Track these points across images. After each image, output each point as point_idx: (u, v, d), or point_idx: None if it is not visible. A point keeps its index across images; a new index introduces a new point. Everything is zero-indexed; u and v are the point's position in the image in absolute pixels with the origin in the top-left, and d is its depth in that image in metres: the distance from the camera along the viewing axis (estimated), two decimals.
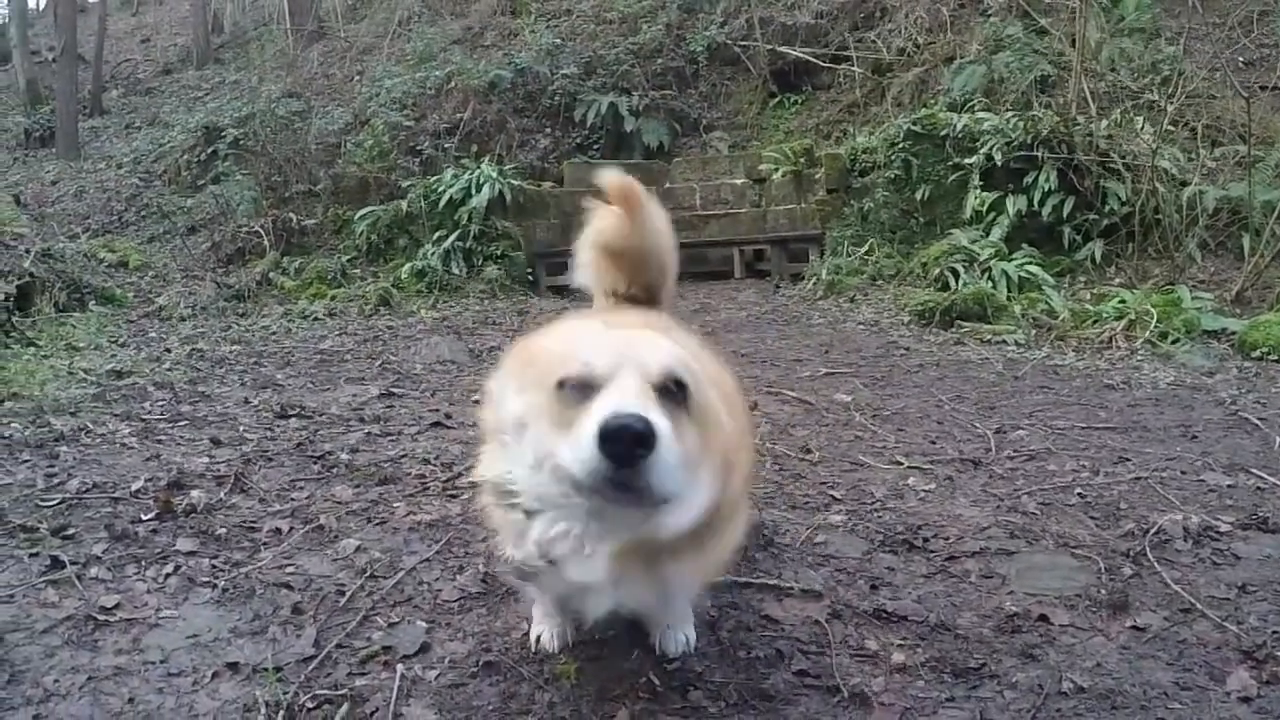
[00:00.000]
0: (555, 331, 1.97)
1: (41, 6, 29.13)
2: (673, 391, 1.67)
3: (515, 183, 11.42)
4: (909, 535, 3.09)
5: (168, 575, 2.74)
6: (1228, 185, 8.38)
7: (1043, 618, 2.46)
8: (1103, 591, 2.61)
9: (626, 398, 1.57)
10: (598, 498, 1.59)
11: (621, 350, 1.69)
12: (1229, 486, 3.54)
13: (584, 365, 1.66)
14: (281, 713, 2.03)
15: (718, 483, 1.76)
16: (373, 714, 2.05)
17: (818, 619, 2.48)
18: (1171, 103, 8.73)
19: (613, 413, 1.52)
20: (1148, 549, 2.90)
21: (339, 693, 2.12)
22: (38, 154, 18.30)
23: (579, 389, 1.65)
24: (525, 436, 1.75)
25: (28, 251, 8.32)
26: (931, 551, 2.96)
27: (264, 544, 3.02)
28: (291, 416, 4.81)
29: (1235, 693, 2.10)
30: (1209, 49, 9.79)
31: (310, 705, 2.07)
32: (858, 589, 2.69)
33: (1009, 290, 7.85)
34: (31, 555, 2.85)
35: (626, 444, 1.50)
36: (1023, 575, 2.76)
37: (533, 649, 2.30)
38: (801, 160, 11.32)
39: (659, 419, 1.55)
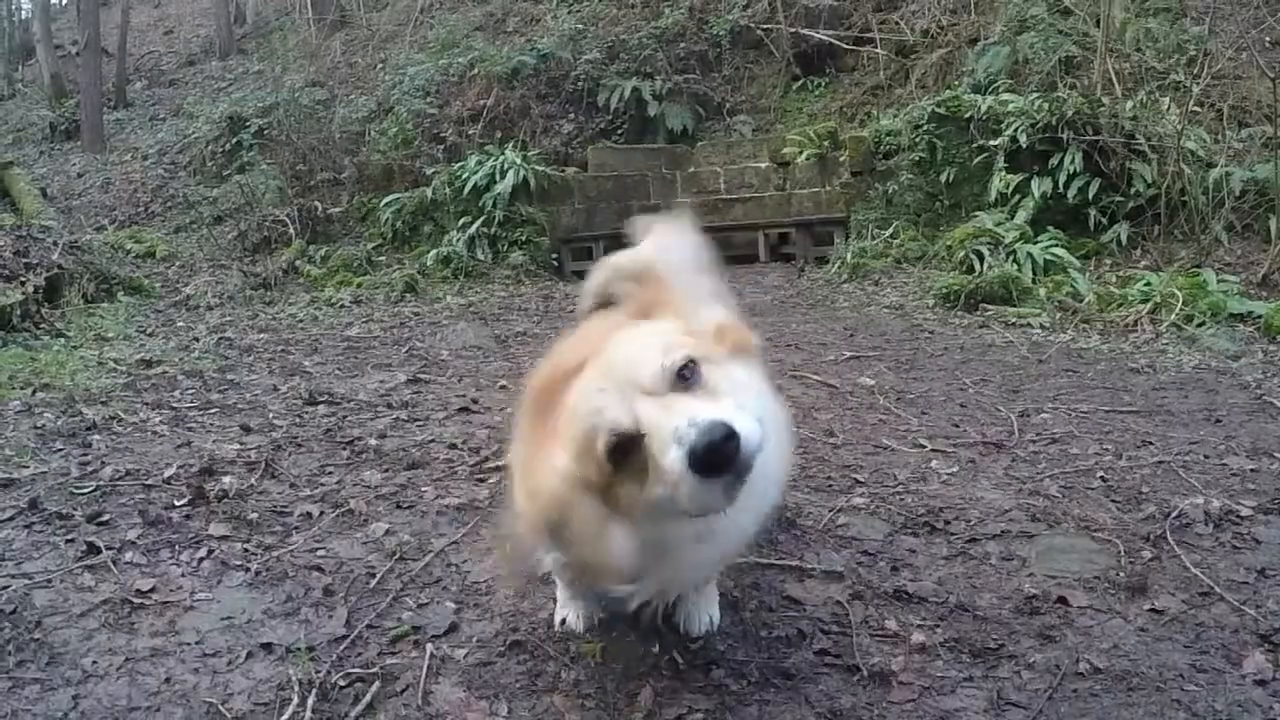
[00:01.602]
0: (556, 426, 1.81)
1: (64, 1, 29.32)
2: (685, 374, 1.64)
3: (539, 168, 11.45)
4: (930, 518, 3.11)
5: (201, 559, 2.81)
6: (1254, 167, 8.28)
7: (1061, 600, 2.48)
8: (1122, 574, 2.63)
9: (672, 423, 1.55)
10: (719, 506, 1.58)
11: (624, 384, 1.65)
12: (1252, 470, 3.54)
13: (612, 432, 1.61)
14: (314, 691, 2.08)
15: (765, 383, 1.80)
16: (403, 692, 2.10)
17: (839, 599, 2.52)
18: (1197, 83, 8.64)
19: (686, 449, 1.50)
20: (1168, 532, 2.91)
21: (370, 671, 2.17)
22: (63, 147, 18.44)
23: (624, 450, 1.61)
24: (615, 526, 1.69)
25: (55, 244, 8.43)
26: (953, 534, 2.99)
27: (295, 528, 3.08)
28: (320, 403, 4.87)
29: (1251, 675, 2.11)
30: (1235, 28, 9.67)
31: (342, 684, 2.13)
32: (879, 570, 2.72)
33: (1034, 273, 7.82)
34: (68, 541, 2.92)
35: (713, 459, 1.49)
36: (1043, 558, 2.78)
37: (558, 629, 2.35)
38: (825, 143, 11.28)
39: (706, 409, 1.55)
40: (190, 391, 5.18)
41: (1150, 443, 3.95)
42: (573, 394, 1.71)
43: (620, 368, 1.68)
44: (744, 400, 1.67)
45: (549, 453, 1.72)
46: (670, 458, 1.52)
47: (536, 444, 1.79)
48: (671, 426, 1.53)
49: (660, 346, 1.67)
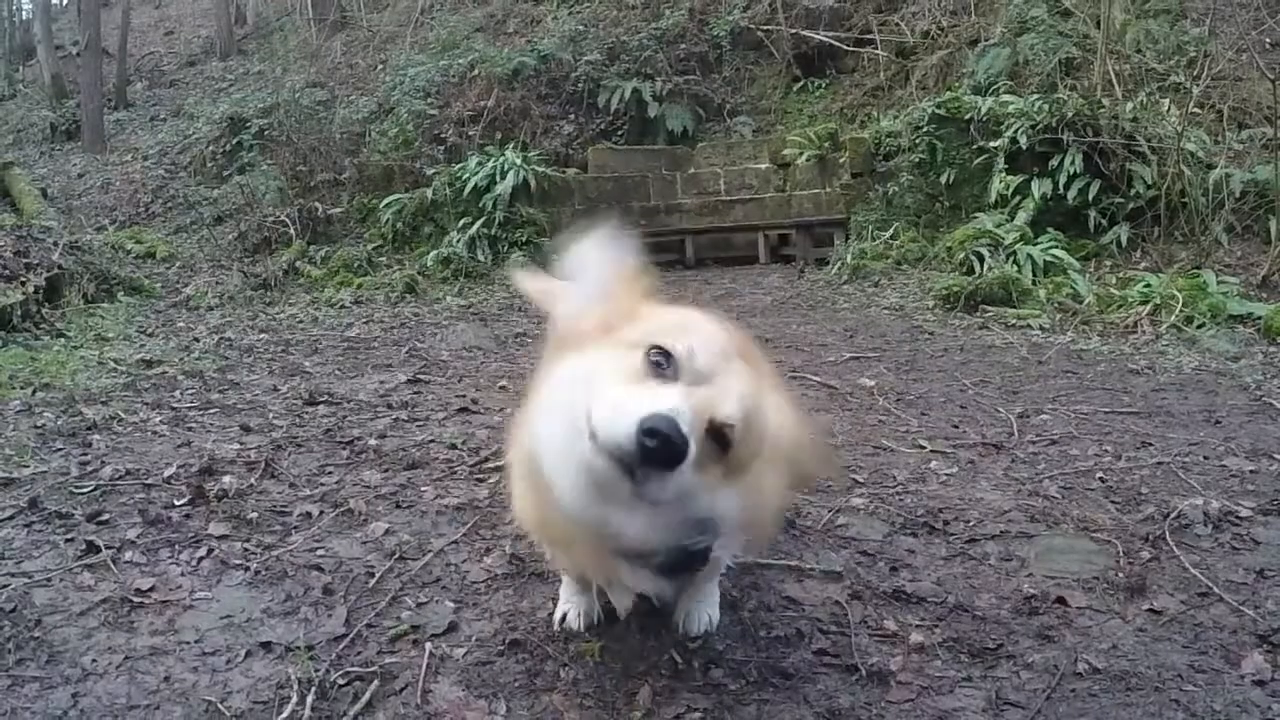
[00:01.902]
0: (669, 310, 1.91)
1: (65, 1, 29.33)
2: (722, 437, 1.63)
3: (539, 169, 11.47)
4: (930, 518, 3.12)
5: (201, 558, 2.81)
6: (1254, 168, 8.29)
7: (1060, 600, 2.48)
8: (1121, 575, 2.63)
9: (694, 405, 1.57)
10: (608, 466, 1.56)
11: (722, 364, 1.68)
12: (1251, 472, 3.54)
13: (688, 350, 1.64)
14: (313, 689, 2.08)
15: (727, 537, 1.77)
16: (402, 690, 2.10)
17: (838, 600, 2.52)
18: (1197, 85, 8.65)
19: (672, 409, 1.52)
20: (1167, 533, 2.91)
21: (369, 670, 2.17)
22: (64, 147, 18.45)
23: (664, 365, 1.63)
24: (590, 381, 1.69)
25: (56, 244, 8.43)
26: (952, 534, 2.99)
27: (295, 528, 3.08)
28: (320, 403, 4.87)
29: (1250, 676, 2.12)
30: (1235, 30, 9.67)
31: (341, 682, 2.13)
32: (878, 571, 2.72)
33: (1034, 274, 7.82)
34: (67, 540, 2.92)
35: (660, 446, 1.49)
36: (1042, 558, 2.78)
37: (557, 628, 2.35)
38: (826, 145, 11.30)
39: (694, 448, 1.54)
40: (190, 391, 5.18)
41: (1150, 444, 3.96)
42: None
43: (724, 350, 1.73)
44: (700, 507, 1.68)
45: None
46: (660, 400, 1.55)
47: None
48: (691, 403, 1.57)
49: (742, 398, 1.68)
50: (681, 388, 1.61)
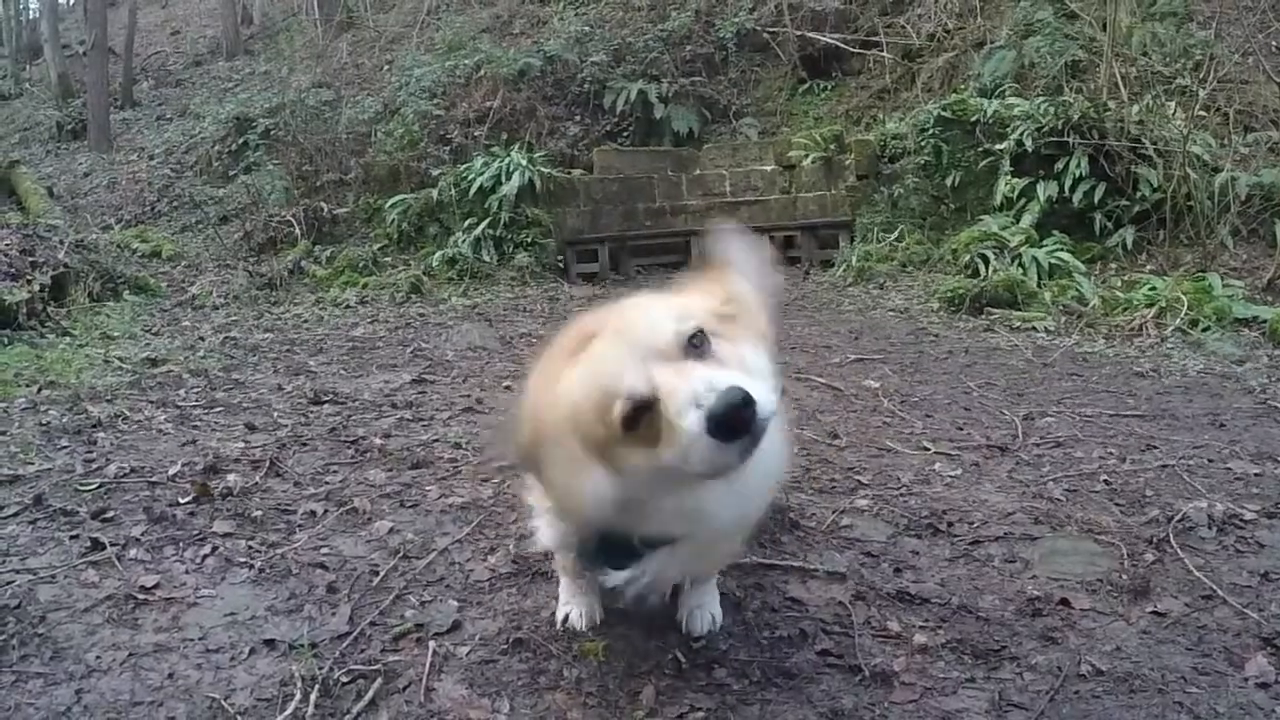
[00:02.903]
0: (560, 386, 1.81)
1: (72, 1, 29.41)
2: (695, 342, 1.65)
3: (545, 170, 11.46)
4: (934, 520, 3.12)
5: (205, 556, 2.81)
6: (1260, 171, 8.26)
7: (1064, 602, 2.48)
8: (1124, 577, 2.63)
9: (690, 387, 1.57)
10: (733, 467, 1.59)
11: (637, 349, 1.66)
12: (1256, 475, 3.54)
13: (627, 398, 1.62)
14: (317, 687, 2.08)
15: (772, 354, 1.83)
16: (405, 689, 2.11)
17: (841, 600, 2.52)
18: (1203, 88, 8.63)
19: (705, 413, 1.53)
20: (1171, 536, 2.91)
21: (372, 668, 2.17)
22: (70, 147, 18.51)
23: (638, 417, 1.61)
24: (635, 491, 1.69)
25: (62, 242, 8.42)
26: (956, 536, 2.99)
27: (299, 526, 3.09)
28: (325, 402, 4.88)
29: (1253, 679, 2.11)
30: (1241, 33, 9.64)
31: (345, 680, 2.13)
32: (881, 572, 2.72)
33: (1039, 277, 7.81)
34: (72, 538, 2.93)
35: (732, 422, 1.52)
36: (1045, 560, 2.78)
37: (560, 627, 2.35)
38: (831, 146, 11.29)
39: (722, 375, 1.57)
40: (195, 390, 5.19)
41: (1154, 446, 3.95)
42: (587, 356, 1.72)
43: (632, 334, 1.69)
44: (753, 371, 1.69)
45: (560, 379, 1.74)
46: (689, 420, 1.54)
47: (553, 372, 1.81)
48: (689, 389, 1.55)
49: (673, 315, 1.69)
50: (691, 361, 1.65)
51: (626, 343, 1.68)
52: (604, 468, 1.67)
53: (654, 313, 1.73)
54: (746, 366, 1.70)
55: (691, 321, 1.67)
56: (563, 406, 1.70)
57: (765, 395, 1.56)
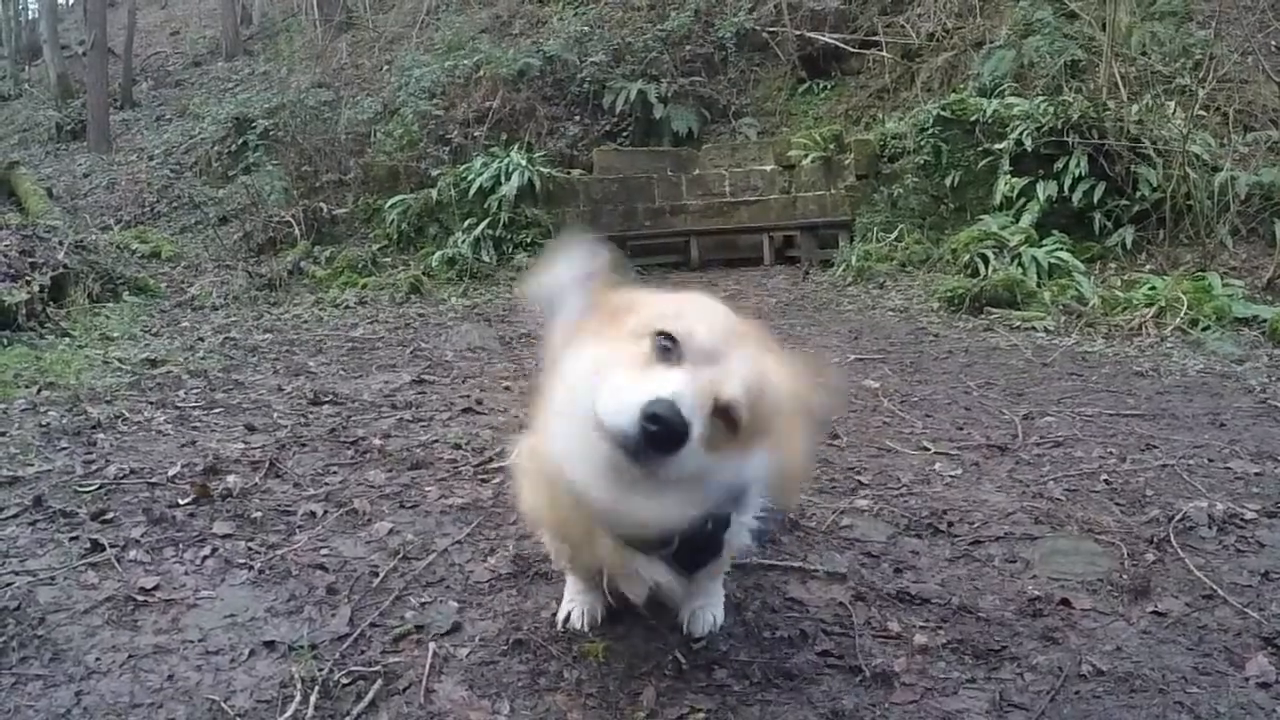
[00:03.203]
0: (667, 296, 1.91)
1: (71, 2, 29.42)
2: (730, 415, 1.66)
3: (544, 170, 11.48)
4: (934, 520, 3.11)
5: (205, 557, 2.81)
6: (1260, 171, 8.27)
7: (1064, 602, 2.48)
8: (1125, 577, 2.63)
9: (696, 387, 1.59)
10: (615, 450, 1.60)
11: (724, 343, 1.70)
12: (1256, 474, 3.54)
13: (689, 332, 1.66)
14: (317, 689, 2.08)
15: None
16: (405, 690, 2.10)
17: (842, 601, 2.52)
18: (1203, 87, 8.63)
19: (673, 393, 1.55)
20: (1172, 535, 2.90)
21: (373, 670, 2.17)
22: (69, 147, 18.51)
23: (670, 349, 1.66)
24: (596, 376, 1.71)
25: (61, 243, 8.42)
26: (956, 536, 2.99)
27: (299, 527, 3.08)
28: (324, 403, 4.87)
29: (1254, 678, 2.11)
30: (1241, 32, 9.64)
31: (345, 681, 2.13)
32: (882, 572, 2.72)
33: (1039, 277, 7.81)
34: (72, 539, 2.92)
35: (662, 430, 1.53)
36: (1046, 560, 2.78)
37: (561, 628, 2.34)
38: (831, 146, 11.30)
39: (698, 429, 1.58)
40: (195, 391, 5.19)
41: (1154, 446, 3.95)
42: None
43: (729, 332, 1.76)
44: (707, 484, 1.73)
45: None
46: (662, 384, 1.59)
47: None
48: (692, 386, 1.60)
49: (749, 376, 1.71)
50: (686, 370, 1.64)
51: (726, 330, 1.76)
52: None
53: (747, 362, 1.74)
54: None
55: (742, 405, 1.68)
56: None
57: (689, 461, 1.59)
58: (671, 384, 1.58)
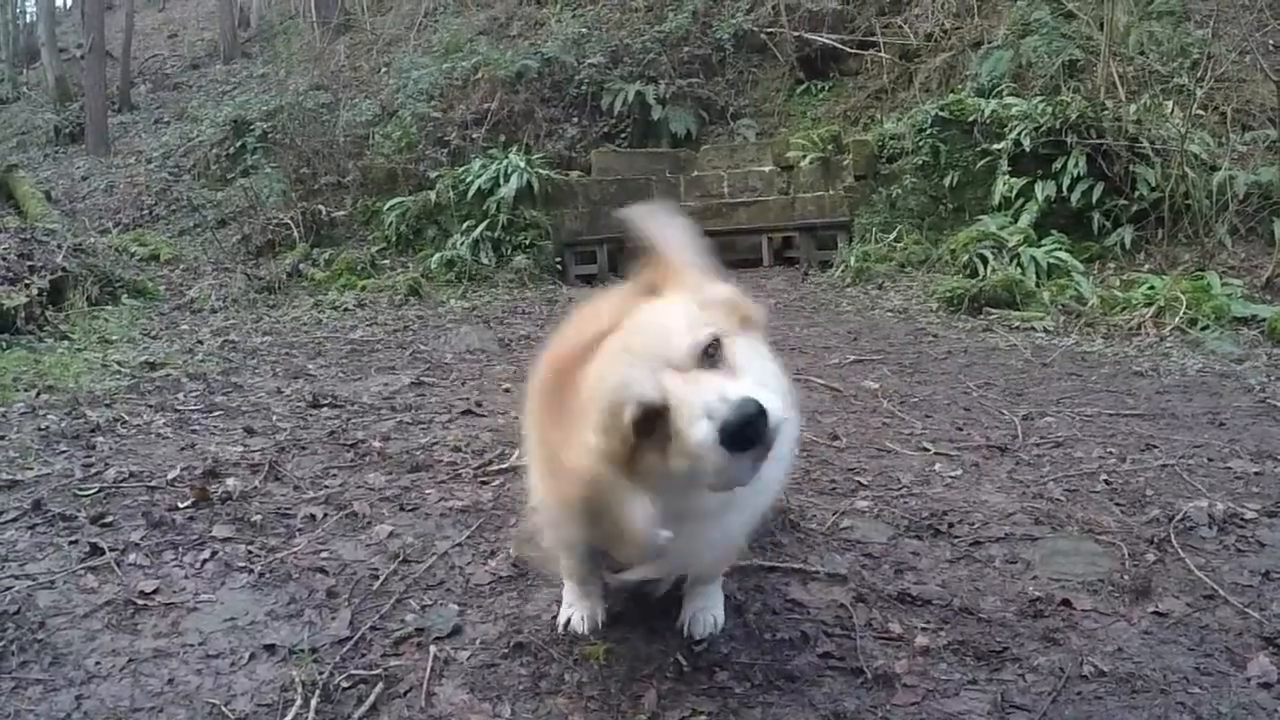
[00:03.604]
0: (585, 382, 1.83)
1: (69, 4, 29.43)
2: (710, 351, 1.67)
3: (543, 172, 11.46)
4: (934, 521, 3.11)
5: (205, 561, 2.81)
6: (1258, 170, 8.26)
7: (1065, 602, 2.48)
8: (1126, 577, 2.62)
9: (702, 398, 1.58)
10: (744, 480, 1.62)
11: (650, 358, 1.67)
12: (1256, 474, 3.53)
13: (639, 404, 1.63)
14: (317, 692, 2.08)
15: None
16: (406, 693, 2.10)
17: (843, 602, 2.51)
18: (1201, 86, 8.62)
19: (718, 424, 1.55)
20: (1172, 535, 2.90)
21: (373, 673, 2.17)
22: (68, 150, 18.51)
23: (649, 422, 1.63)
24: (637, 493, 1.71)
25: (60, 246, 8.42)
26: (956, 537, 2.98)
27: (299, 530, 3.08)
28: (323, 406, 4.87)
29: (1255, 678, 2.11)
30: (1238, 32, 9.63)
31: (345, 685, 2.13)
32: (882, 573, 2.72)
33: (1038, 277, 7.81)
34: (71, 543, 2.92)
35: (745, 434, 1.54)
36: (1047, 561, 2.78)
37: (562, 631, 2.34)
38: (829, 147, 11.29)
39: (734, 386, 1.59)
40: (194, 394, 5.18)
41: (1154, 446, 3.95)
42: (597, 366, 1.73)
43: (646, 342, 1.70)
44: (764, 377, 1.72)
45: (578, 430, 1.72)
46: (700, 431, 1.55)
47: (558, 422, 1.80)
48: (702, 401, 1.57)
49: (686, 323, 1.70)
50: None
51: (637, 353, 1.69)
52: (627, 481, 1.68)
53: (667, 320, 1.73)
54: (759, 373, 1.72)
55: (706, 330, 1.68)
56: (590, 438, 1.70)
57: (776, 404, 1.58)
58: (728, 388, 1.59)
